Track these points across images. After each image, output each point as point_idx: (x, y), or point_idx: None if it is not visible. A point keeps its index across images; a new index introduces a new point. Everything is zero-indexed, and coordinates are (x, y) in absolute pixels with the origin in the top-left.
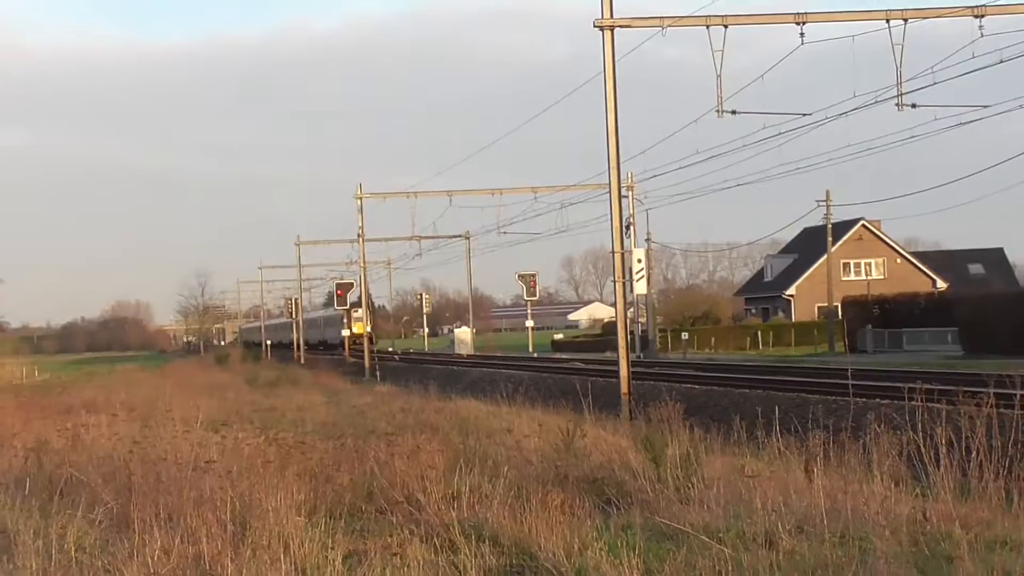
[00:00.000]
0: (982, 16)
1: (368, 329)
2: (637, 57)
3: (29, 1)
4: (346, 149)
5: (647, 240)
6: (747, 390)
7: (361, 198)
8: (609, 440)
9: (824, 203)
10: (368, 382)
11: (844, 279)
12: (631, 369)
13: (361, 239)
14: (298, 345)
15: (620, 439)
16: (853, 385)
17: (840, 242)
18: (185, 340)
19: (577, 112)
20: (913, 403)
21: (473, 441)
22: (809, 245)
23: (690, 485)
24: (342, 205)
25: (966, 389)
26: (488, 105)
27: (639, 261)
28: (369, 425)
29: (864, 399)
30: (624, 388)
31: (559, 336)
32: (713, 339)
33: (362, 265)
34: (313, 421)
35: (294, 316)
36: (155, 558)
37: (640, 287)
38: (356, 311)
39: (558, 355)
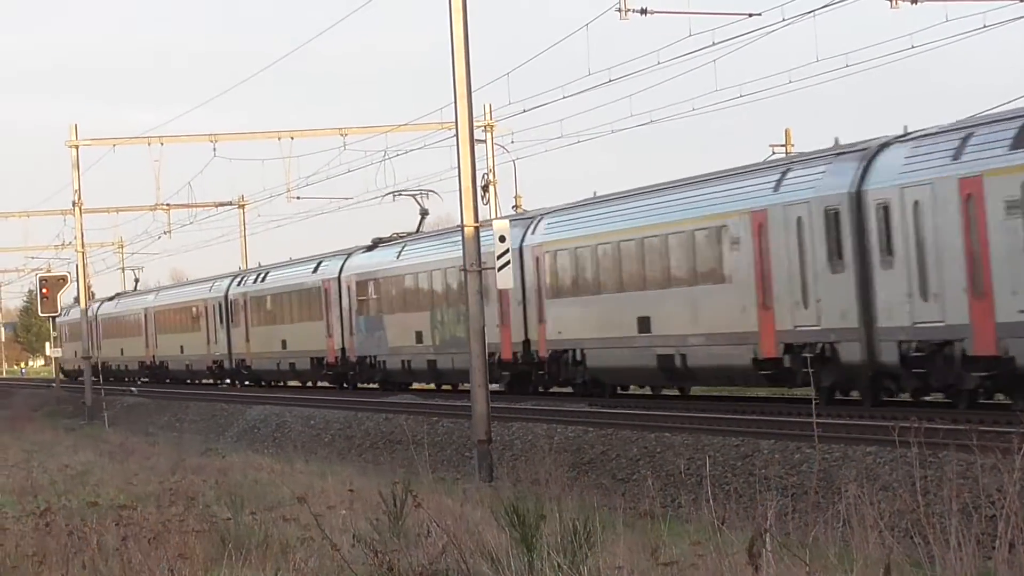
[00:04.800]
0: None
1: (88, 347)
2: None
3: None
4: (55, 67)
5: (515, 207)
6: (667, 433)
7: (77, 145)
8: (457, 512)
9: (782, 147)
10: (90, 428)
11: None
12: (491, 405)
13: (78, 208)
14: None
15: (473, 510)
16: (822, 424)
17: None
18: None
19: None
20: (909, 450)
21: (249, 517)
22: None
23: None
24: (46, 155)
25: (986, 429)
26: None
27: (502, 239)
28: (91, 494)
29: (842, 444)
30: (480, 433)
31: None
32: None
33: (79, 250)
34: (2, 489)
35: None
36: None
37: (505, 278)
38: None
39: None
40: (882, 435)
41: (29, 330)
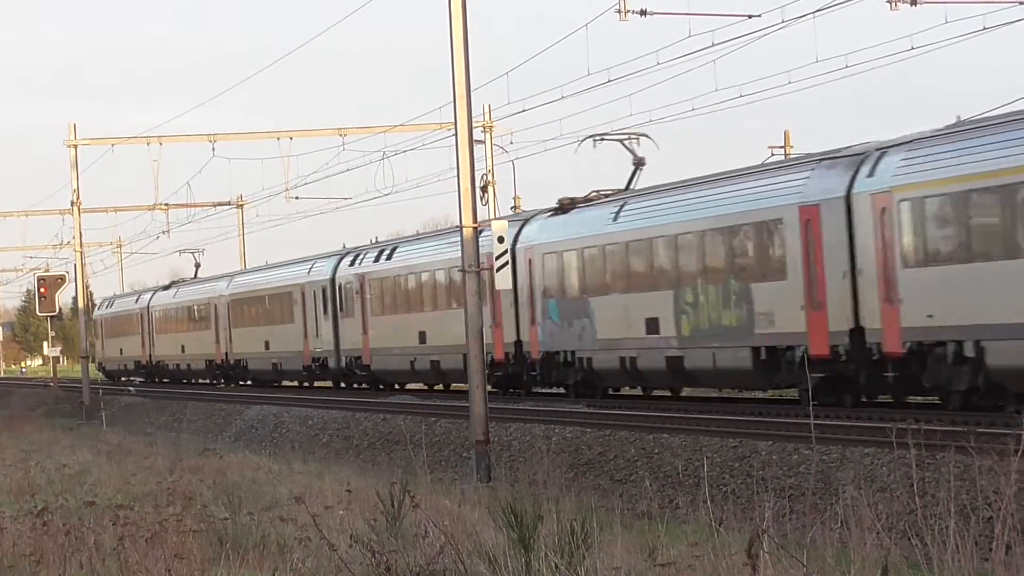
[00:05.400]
0: None
1: (87, 346)
2: None
3: None
4: (54, 67)
5: (513, 208)
6: (665, 434)
7: (75, 145)
8: (455, 512)
9: (781, 148)
10: (88, 427)
11: None
12: (489, 405)
13: (76, 208)
14: None
15: (471, 510)
16: (820, 426)
17: None
18: None
19: (405, 13)
20: (907, 452)
21: (246, 517)
22: None
23: None
24: (45, 155)
25: (983, 431)
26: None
27: (501, 240)
28: (88, 493)
29: (840, 445)
30: (479, 434)
31: None
32: None
33: (77, 249)
34: (0, 488)
35: None
36: None
37: (503, 279)
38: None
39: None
40: (880, 436)
41: (27, 330)
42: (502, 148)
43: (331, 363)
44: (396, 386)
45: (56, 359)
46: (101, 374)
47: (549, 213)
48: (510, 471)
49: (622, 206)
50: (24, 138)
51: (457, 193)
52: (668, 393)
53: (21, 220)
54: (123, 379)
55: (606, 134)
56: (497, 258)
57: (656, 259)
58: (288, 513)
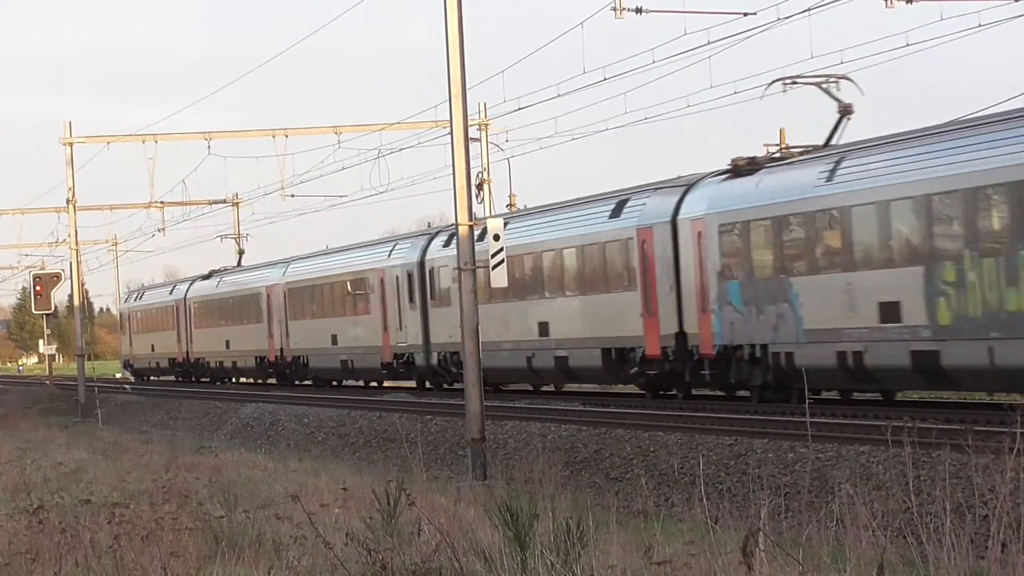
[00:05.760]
0: None
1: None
2: None
3: None
4: (50, 65)
5: (509, 205)
6: (661, 432)
7: (71, 143)
8: (450, 510)
9: (776, 146)
10: (83, 425)
11: None
12: (484, 403)
13: (72, 206)
14: None
15: (466, 508)
16: (815, 424)
17: None
18: None
19: (400, 11)
20: (902, 450)
21: (242, 515)
22: None
23: None
24: (40, 152)
25: (979, 429)
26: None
27: (496, 238)
28: (84, 491)
29: (836, 443)
30: (474, 431)
31: None
32: None
33: (73, 247)
34: None
35: None
36: None
37: (499, 276)
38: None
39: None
40: (875, 435)
41: (23, 327)
42: (498, 146)
43: (419, 360)
44: (499, 386)
45: (52, 357)
46: (128, 373)
47: (722, 177)
48: (506, 469)
49: (838, 163)
50: (19, 136)
51: (453, 191)
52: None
53: (16, 218)
54: (147, 378)
55: (798, 77)
56: (492, 256)
57: (891, 226)
58: (284, 511)
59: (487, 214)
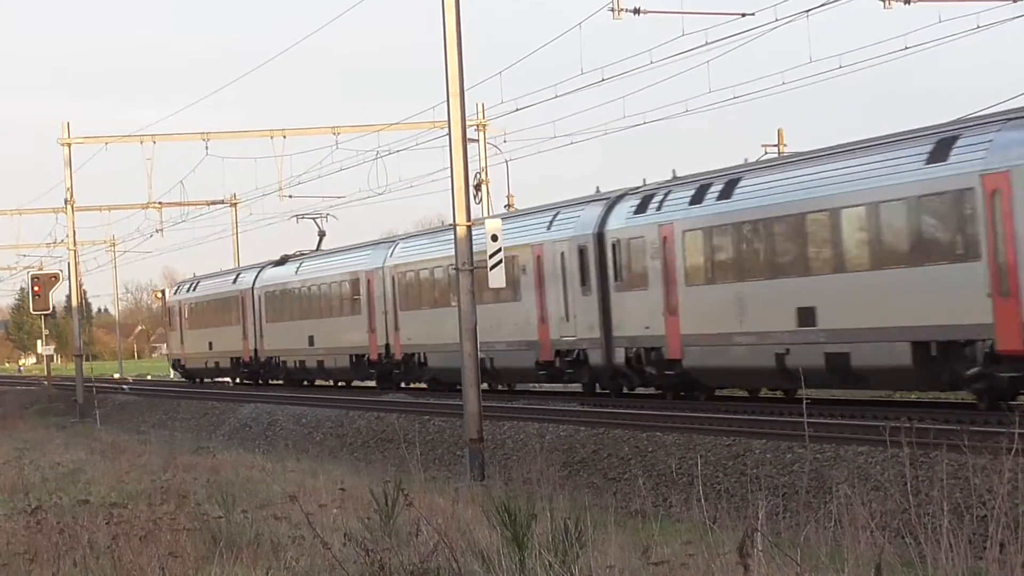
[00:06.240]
0: None
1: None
2: None
3: None
4: (47, 65)
5: (507, 206)
6: (659, 432)
7: (69, 143)
8: (448, 511)
9: (775, 147)
10: (81, 426)
11: None
12: (483, 404)
13: (70, 206)
14: None
15: (464, 509)
16: (813, 424)
17: None
18: None
19: (398, 13)
20: (900, 450)
21: (240, 515)
22: None
23: None
24: (38, 153)
25: (976, 429)
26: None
27: (494, 239)
28: (82, 491)
29: (834, 444)
30: (472, 432)
31: None
32: None
33: (71, 248)
34: None
35: None
36: None
37: (497, 277)
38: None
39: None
40: (873, 435)
41: (21, 328)
42: (496, 147)
43: (594, 357)
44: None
45: (50, 357)
46: (178, 374)
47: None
48: (504, 470)
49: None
50: (18, 136)
51: (451, 192)
52: (657, 391)
53: (14, 218)
54: (199, 380)
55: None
56: (491, 256)
57: None
58: (282, 511)
59: (484, 215)
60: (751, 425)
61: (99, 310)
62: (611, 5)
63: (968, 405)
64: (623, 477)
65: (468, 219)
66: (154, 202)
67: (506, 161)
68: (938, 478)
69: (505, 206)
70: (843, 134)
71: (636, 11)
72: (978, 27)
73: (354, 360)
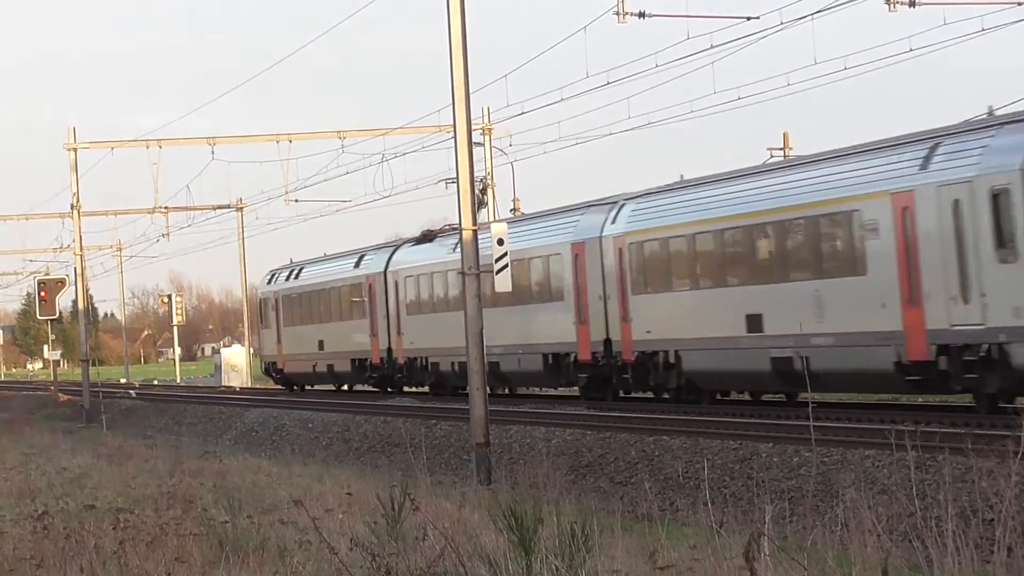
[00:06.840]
0: None
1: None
2: None
3: None
4: (54, 70)
5: (513, 210)
6: (665, 436)
7: (75, 148)
8: (454, 515)
9: (780, 150)
10: (88, 431)
11: None
12: (489, 408)
13: (76, 211)
14: None
15: (471, 513)
16: (820, 428)
17: None
18: None
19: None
20: (907, 454)
21: (246, 520)
22: None
23: None
24: (45, 158)
25: (982, 432)
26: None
27: (500, 242)
28: (88, 497)
29: (840, 447)
30: (479, 436)
31: None
32: None
33: (77, 252)
34: (0, 492)
35: None
36: None
37: (503, 281)
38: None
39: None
40: (880, 439)
41: (27, 333)
42: (501, 150)
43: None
44: None
45: (56, 362)
46: (273, 380)
47: None
48: (510, 474)
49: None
50: (24, 141)
51: (457, 195)
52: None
53: (21, 223)
54: (291, 387)
55: None
56: (497, 260)
57: None
58: (288, 516)
59: (490, 218)
60: (757, 429)
61: (105, 315)
62: (616, 8)
63: (974, 409)
64: (629, 481)
65: (474, 223)
66: (160, 207)
67: (512, 164)
68: (944, 481)
69: (511, 210)
70: (848, 136)
71: (641, 14)
72: (983, 29)
73: (548, 360)
